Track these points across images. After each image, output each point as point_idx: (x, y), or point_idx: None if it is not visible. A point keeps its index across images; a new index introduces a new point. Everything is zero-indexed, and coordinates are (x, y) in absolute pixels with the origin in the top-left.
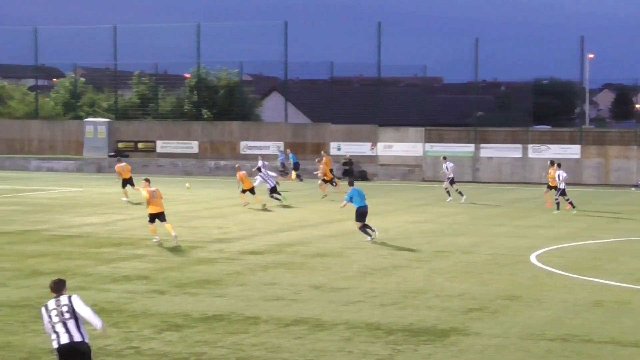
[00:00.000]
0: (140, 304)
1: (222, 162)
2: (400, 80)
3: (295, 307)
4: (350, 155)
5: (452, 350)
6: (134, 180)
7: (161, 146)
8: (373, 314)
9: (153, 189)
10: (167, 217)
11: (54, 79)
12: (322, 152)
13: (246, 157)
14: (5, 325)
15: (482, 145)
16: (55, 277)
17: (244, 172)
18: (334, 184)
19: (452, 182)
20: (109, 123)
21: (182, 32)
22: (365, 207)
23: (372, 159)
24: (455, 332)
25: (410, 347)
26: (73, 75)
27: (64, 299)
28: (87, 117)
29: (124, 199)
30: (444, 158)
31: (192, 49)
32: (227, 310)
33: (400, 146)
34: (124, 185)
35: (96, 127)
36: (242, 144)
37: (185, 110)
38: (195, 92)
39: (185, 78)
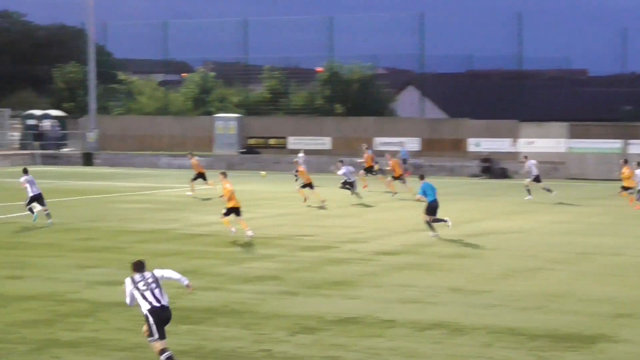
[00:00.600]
0: (272, 305)
1: (357, 159)
2: (542, 73)
3: (433, 310)
4: (490, 152)
5: (600, 358)
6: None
7: (292, 142)
8: (514, 318)
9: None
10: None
11: (184, 74)
12: (364, 146)
13: (381, 154)
14: (140, 325)
15: (630, 141)
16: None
17: (303, 166)
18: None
19: (537, 179)
20: (239, 119)
21: (314, 25)
22: (436, 201)
23: (513, 155)
24: (603, 339)
25: (555, 354)
26: (203, 70)
27: (147, 274)
28: (217, 113)
29: (189, 193)
30: (525, 157)
31: (324, 42)
32: (361, 313)
33: (542, 142)
34: (195, 179)
35: (226, 123)
36: (377, 140)
37: (317, 105)
38: (327, 86)
39: (317, 72)
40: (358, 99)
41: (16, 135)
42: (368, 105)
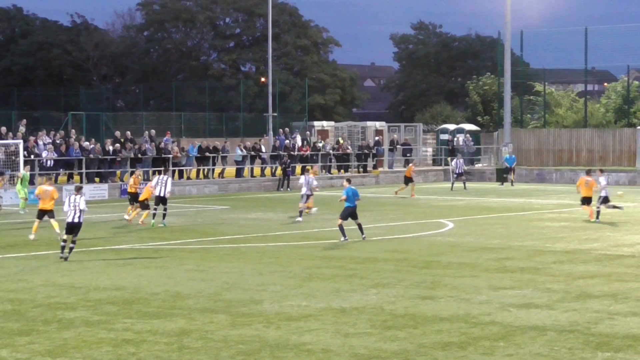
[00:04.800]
0: None
1: None
2: None
3: None
4: None
5: None
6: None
7: None
8: None
9: None
10: None
11: (605, 84)
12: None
13: None
14: (551, 351)
15: None
16: None
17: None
18: None
19: None
20: None
21: None
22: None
23: None
24: None
25: None
26: (626, 78)
27: (78, 197)
28: None
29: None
30: None
31: None
32: None
33: None
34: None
35: None
36: None
37: None
38: None
39: None
40: None
41: (429, 150)
42: None
